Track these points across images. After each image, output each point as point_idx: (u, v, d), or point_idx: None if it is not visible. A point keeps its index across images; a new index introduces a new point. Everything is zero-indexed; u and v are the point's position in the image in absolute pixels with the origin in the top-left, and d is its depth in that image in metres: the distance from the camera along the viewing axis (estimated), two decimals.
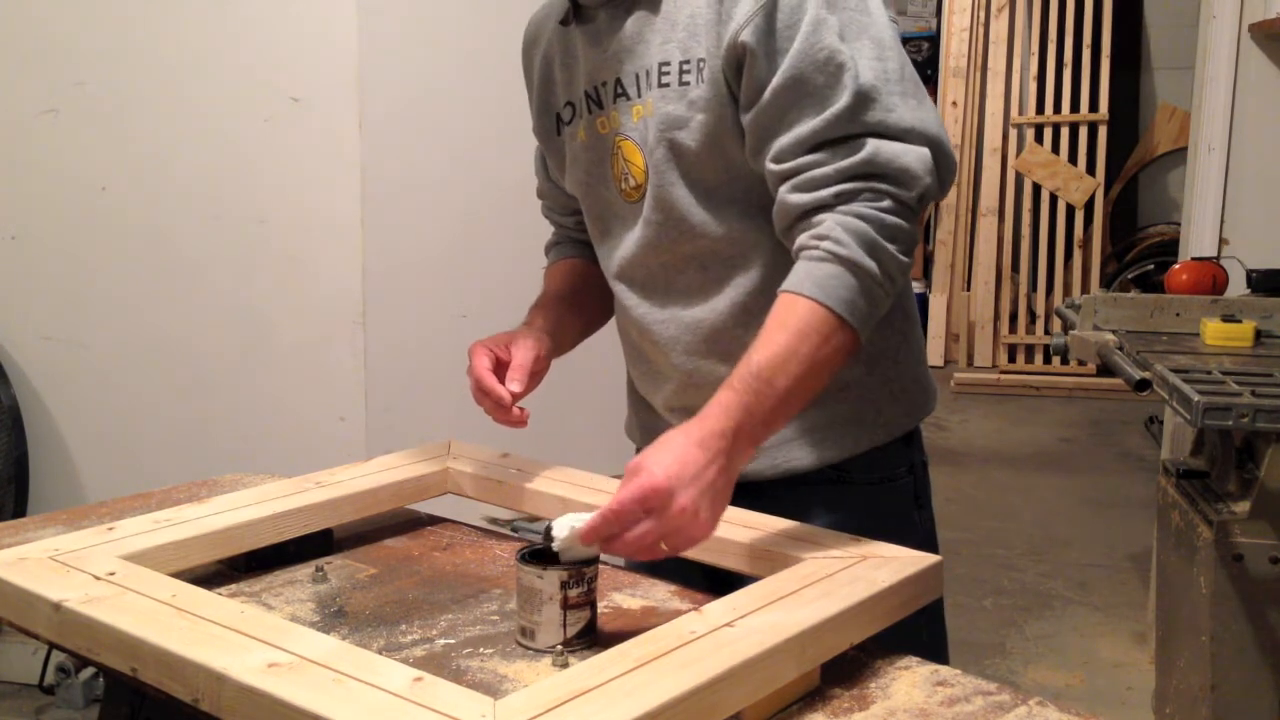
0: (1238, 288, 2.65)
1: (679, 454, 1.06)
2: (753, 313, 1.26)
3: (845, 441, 1.33)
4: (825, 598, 1.04)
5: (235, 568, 1.27)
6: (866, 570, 1.11)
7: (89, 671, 2.74)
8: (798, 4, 1.16)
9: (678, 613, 1.08)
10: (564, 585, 1.07)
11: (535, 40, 1.45)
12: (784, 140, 1.18)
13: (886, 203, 1.15)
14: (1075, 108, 6.42)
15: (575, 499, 1.36)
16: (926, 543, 1.34)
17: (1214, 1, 3.03)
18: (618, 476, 1.44)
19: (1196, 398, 1.88)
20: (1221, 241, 3.07)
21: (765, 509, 1.27)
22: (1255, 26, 2.93)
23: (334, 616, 1.17)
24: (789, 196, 1.18)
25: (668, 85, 1.25)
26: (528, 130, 1.52)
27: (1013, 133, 6.60)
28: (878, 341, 1.29)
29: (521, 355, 1.35)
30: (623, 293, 1.40)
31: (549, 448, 1.78)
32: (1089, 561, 3.92)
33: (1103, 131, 6.34)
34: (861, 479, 1.34)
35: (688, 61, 1.23)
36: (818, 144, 1.16)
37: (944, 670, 1.06)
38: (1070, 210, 6.40)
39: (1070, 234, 6.42)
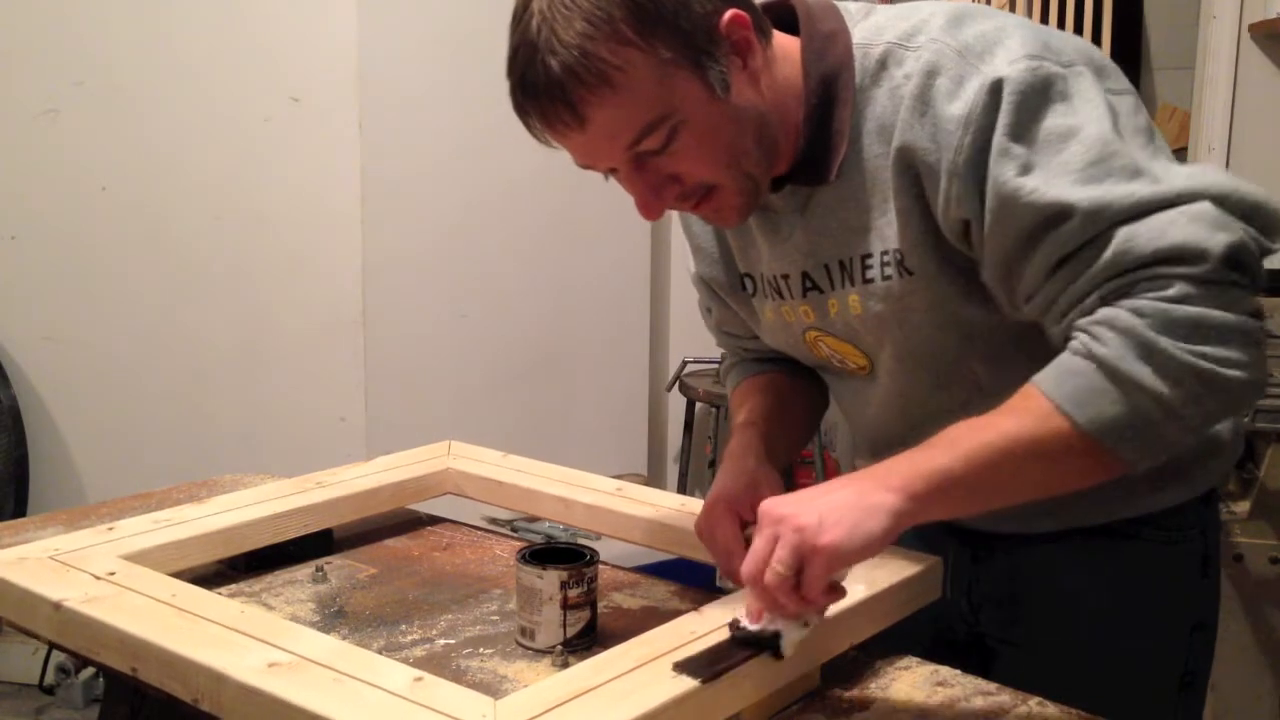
0: None
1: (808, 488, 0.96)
2: None
3: (1146, 497, 1.17)
4: None
5: (235, 568, 1.27)
6: (866, 570, 1.10)
7: (89, 671, 2.74)
8: (981, 146, 0.96)
9: (678, 613, 1.07)
10: (564, 585, 1.07)
11: None
12: (1026, 280, 0.99)
13: (1176, 289, 0.89)
14: None
15: (575, 499, 1.36)
16: (1203, 613, 1.23)
17: (1214, 1, 3.02)
18: (617, 477, 1.45)
19: None
20: None
21: (1038, 560, 1.20)
22: (1255, 26, 2.92)
23: (334, 616, 1.17)
24: (1051, 333, 0.99)
25: (871, 281, 1.09)
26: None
27: None
28: None
29: None
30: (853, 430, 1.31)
31: (549, 448, 1.79)
32: None
33: None
34: (1151, 536, 1.19)
35: (886, 252, 1.07)
36: (1054, 266, 0.96)
37: (944, 670, 1.06)
38: None
39: None
